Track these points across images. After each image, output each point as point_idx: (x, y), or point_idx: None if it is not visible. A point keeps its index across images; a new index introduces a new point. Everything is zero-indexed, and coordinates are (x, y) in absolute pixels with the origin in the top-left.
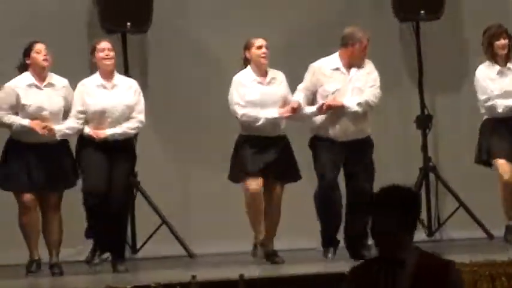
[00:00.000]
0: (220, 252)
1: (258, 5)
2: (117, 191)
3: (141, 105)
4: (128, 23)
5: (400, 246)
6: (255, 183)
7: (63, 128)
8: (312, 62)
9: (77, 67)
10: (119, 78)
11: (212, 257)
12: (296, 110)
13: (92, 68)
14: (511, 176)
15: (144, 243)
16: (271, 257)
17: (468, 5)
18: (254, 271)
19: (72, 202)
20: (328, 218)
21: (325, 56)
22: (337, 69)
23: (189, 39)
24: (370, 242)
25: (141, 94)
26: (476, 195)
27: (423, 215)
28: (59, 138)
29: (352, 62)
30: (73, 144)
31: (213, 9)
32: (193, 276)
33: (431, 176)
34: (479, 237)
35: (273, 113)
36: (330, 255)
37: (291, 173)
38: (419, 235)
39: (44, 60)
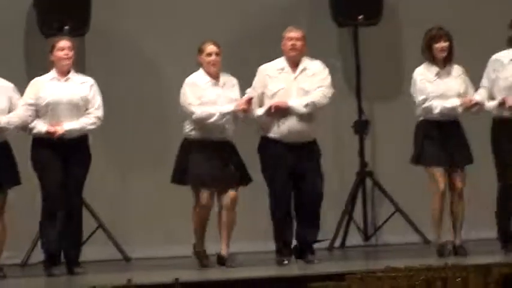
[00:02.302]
0: (156, 256)
1: (200, 7)
2: (74, 194)
3: (99, 101)
4: (66, 27)
5: None
6: (207, 194)
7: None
8: (253, 64)
9: (13, 70)
10: (74, 74)
11: (148, 260)
12: (251, 102)
13: (49, 67)
14: (446, 185)
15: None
16: (222, 260)
17: (406, 11)
18: (189, 275)
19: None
20: (282, 223)
21: (266, 57)
22: (282, 69)
23: (127, 42)
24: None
25: (98, 90)
26: (412, 201)
27: (359, 220)
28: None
29: (291, 60)
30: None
31: (153, 10)
32: (129, 280)
33: (368, 181)
34: (415, 241)
35: (228, 107)
36: (285, 261)
37: (242, 177)
38: (356, 240)
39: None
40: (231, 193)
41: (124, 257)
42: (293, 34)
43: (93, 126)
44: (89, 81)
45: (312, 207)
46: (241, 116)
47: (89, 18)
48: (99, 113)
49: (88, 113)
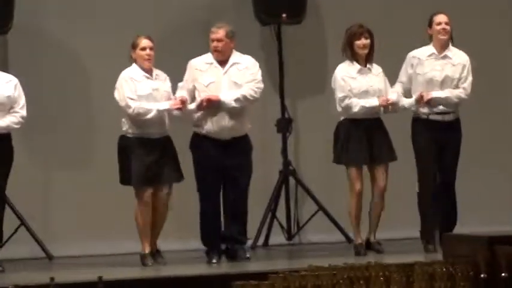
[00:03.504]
0: (79, 254)
1: (124, 4)
2: None
3: (23, 100)
4: None
5: None
6: (149, 192)
7: None
8: (180, 59)
9: None
10: None
11: (71, 259)
12: (184, 103)
13: None
14: (362, 185)
15: (3, 244)
16: (157, 257)
17: (329, 9)
18: (113, 273)
19: None
20: (209, 223)
21: (193, 53)
22: (211, 63)
23: (51, 39)
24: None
25: (21, 89)
26: (335, 199)
27: (282, 219)
28: None
29: (217, 59)
30: None
31: (78, 7)
32: (52, 278)
33: (291, 179)
34: (339, 240)
35: (164, 104)
36: (214, 259)
37: (176, 174)
38: (279, 238)
39: None
40: (165, 190)
41: (47, 255)
42: (213, 35)
43: (18, 126)
44: (13, 80)
45: (239, 203)
46: (176, 113)
47: (11, 16)
48: (24, 112)
49: (14, 112)
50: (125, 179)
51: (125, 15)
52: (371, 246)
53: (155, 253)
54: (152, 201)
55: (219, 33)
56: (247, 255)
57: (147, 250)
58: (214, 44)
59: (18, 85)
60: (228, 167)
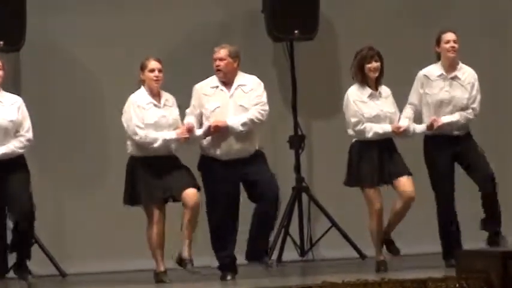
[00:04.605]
0: (92, 272)
1: (137, 22)
2: (22, 205)
3: (28, 122)
4: (1, 42)
5: None
6: (158, 211)
7: None
8: (187, 81)
9: None
10: (2, 94)
11: (84, 276)
12: (191, 131)
13: None
14: (382, 204)
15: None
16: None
17: (342, 26)
18: None
19: None
20: (222, 243)
21: (202, 75)
22: (216, 87)
23: (63, 57)
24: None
25: (26, 111)
26: (348, 216)
27: (296, 235)
28: None
29: (220, 80)
30: None
31: (89, 25)
32: None
33: (304, 196)
34: (352, 256)
35: (171, 134)
36: (228, 276)
37: (195, 182)
38: (292, 255)
39: None
40: (190, 192)
41: (60, 273)
42: (216, 55)
43: (23, 150)
44: (17, 101)
45: (270, 207)
46: (183, 141)
47: (24, 32)
48: (30, 135)
49: (19, 136)
50: (126, 199)
51: (136, 33)
52: (386, 242)
53: (190, 260)
54: (183, 203)
55: (221, 52)
56: (269, 262)
57: (162, 268)
58: (217, 63)
59: (23, 106)
60: (247, 177)
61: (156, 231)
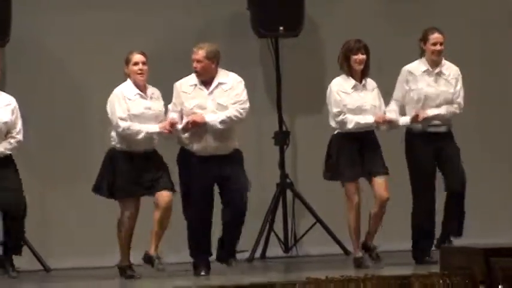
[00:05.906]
0: (75, 267)
1: (123, 23)
2: (17, 200)
3: (19, 124)
4: None
5: None
6: (131, 206)
7: None
8: (170, 80)
9: None
10: None
11: (68, 271)
12: (174, 126)
13: None
14: (360, 198)
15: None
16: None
17: (326, 23)
18: (110, 285)
19: None
20: (198, 238)
21: (186, 73)
22: (195, 85)
23: (49, 54)
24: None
25: (19, 112)
26: (333, 212)
27: (280, 231)
28: None
29: (199, 79)
30: None
31: (76, 23)
32: None
33: (289, 192)
34: (336, 253)
35: (154, 127)
36: (202, 272)
37: (169, 184)
38: (276, 251)
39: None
40: (165, 193)
41: (44, 268)
42: (194, 56)
43: (12, 151)
44: (12, 102)
45: (234, 217)
46: (165, 135)
47: (9, 28)
48: (20, 137)
49: (9, 137)
50: (98, 188)
51: (121, 31)
52: (367, 249)
53: (156, 258)
54: (156, 203)
55: (199, 54)
56: (233, 263)
57: (128, 262)
58: (194, 64)
59: (16, 108)
60: (220, 175)
61: (127, 227)
